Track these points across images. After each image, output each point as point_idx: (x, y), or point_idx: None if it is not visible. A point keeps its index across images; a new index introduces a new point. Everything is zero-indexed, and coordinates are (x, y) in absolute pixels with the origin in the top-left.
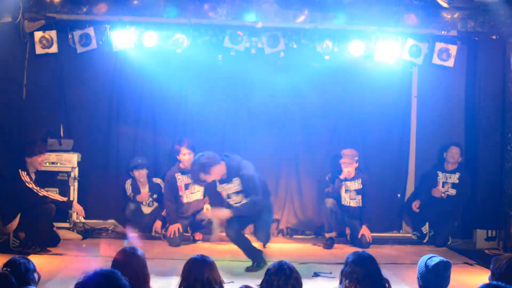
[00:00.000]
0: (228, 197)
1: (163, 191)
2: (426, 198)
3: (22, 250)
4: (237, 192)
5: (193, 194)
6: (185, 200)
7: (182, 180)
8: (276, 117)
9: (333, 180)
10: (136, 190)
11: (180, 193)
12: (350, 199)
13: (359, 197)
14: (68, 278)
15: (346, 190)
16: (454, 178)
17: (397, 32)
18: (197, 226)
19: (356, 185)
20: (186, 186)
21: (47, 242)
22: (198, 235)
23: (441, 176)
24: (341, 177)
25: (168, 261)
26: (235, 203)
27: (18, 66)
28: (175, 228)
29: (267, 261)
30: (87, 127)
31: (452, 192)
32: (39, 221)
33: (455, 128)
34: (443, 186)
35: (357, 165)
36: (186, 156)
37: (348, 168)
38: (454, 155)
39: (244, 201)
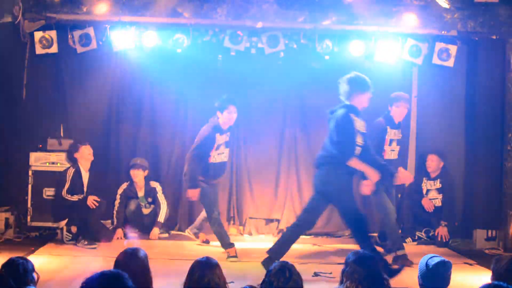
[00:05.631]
0: None
1: (158, 194)
2: (413, 203)
3: (75, 243)
4: None
5: (219, 156)
6: (212, 160)
7: (218, 140)
8: (276, 117)
9: None
10: (133, 193)
11: (211, 153)
12: None
13: None
14: (68, 278)
15: None
16: (437, 183)
17: (397, 32)
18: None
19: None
20: (218, 147)
21: (96, 236)
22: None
23: (425, 182)
24: None
25: (168, 261)
26: None
27: (18, 66)
28: (195, 193)
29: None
30: (87, 127)
31: (439, 197)
32: (88, 216)
33: (455, 128)
34: (427, 194)
35: None
36: (232, 115)
37: None
38: (431, 164)
39: None
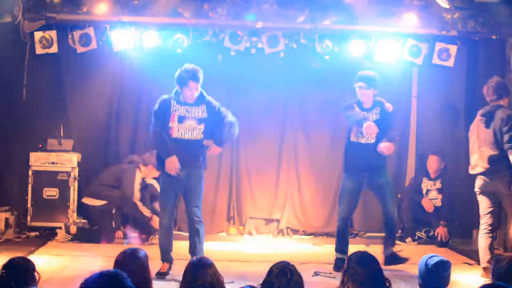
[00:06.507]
0: None
1: (157, 188)
2: (413, 203)
3: (73, 243)
4: None
5: (189, 132)
6: (175, 134)
7: (177, 110)
8: (276, 117)
9: None
10: None
11: (171, 124)
12: None
13: None
14: (68, 278)
15: None
16: (438, 183)
17: (397, 32)
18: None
19: None
20: (180, 119)
21: (99, 239)
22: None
23: (426, 183)
24: None
25: None
26: None
27: (18, 66)
28: (173, 162)
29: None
30: (87, 127)
31: (439, 197)
32: (98, 218)
33: (455, 128)
34: (427, 194)
35: None
36: (193, 93)
37: None
38: (432, 165)
39: None
